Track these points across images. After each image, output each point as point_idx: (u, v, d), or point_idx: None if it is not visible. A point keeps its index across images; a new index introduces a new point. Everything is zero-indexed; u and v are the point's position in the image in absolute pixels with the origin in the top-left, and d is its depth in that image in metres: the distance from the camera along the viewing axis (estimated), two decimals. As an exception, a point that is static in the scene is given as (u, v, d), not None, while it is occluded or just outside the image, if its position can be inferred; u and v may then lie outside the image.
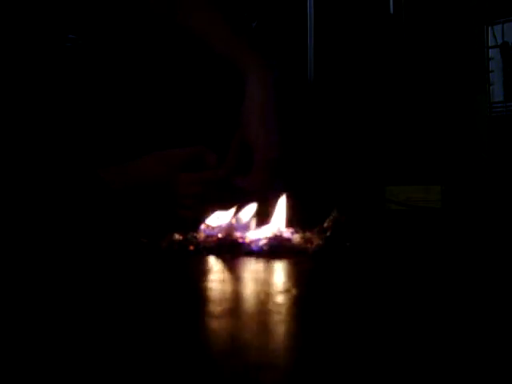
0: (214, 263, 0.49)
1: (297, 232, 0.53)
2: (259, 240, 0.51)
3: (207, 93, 0.83)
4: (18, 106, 0.73)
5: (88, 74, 0.81)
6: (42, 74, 0.77)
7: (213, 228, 0.54)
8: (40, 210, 0.66)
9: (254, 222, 0.54)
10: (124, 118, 0.81)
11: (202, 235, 0.54)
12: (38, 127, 0.73)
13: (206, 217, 0.55)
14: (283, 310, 0.30)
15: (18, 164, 0.68)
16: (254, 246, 0.51)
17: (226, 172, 0.73)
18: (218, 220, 0.54)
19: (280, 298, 0.33)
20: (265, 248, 0.51)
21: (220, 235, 0.53)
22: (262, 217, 0.55)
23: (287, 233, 0.53)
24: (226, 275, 0.45)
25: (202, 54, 0.79)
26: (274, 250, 0.51)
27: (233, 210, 0.55)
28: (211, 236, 0.53)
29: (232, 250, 0.52)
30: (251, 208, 0.55)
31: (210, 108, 0.80)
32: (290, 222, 0.54)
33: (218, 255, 0.51)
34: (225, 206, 0.56)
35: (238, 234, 0.53)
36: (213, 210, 0.56)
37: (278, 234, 0.52)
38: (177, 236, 0.54)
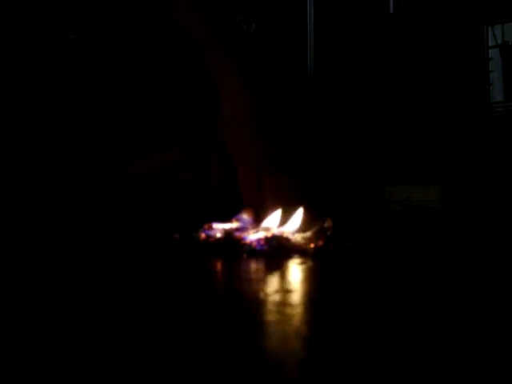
0: (214, 264, 0.49)
1: (297, 232, 0.53)
2: (260, 240, 0.51)
3: (208, 94, 0.83)
4: (20, 104, 0.73)
5: (89, 73, 0.81)
6: (43, 73, 0.77)
7: (213, 228, 0.54)
8: (41, 207, 0.66)
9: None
10: (125, 117, 0.81)
11: (202, 235, 0.54)
12: (39, 126, 0.73)
13: (207, 217, 0.55)
14: (282, 309, 0.30)
15: (20, 162, 0.68)
16: (254, 247, 0.51)
17: (214, 193, 0.71)
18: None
19: (278, 298, 0.33)
20: (266, 248, 0.51)
21: (220, 235, 0.53)
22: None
23: (287, 233, 0.53)
24: (226, 275, 0.45)
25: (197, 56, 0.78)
26: (275, 250, 0.51)
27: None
28: (212, 236, 0.53)
29: (233, 250, 0.52)
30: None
31: (211, 109, 0.80)
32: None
33: (219, 255, 0.51)
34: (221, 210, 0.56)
35: (238, 235, 0.53)
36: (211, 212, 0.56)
37: (279, 234, 0.52)
38: (177, 235, 0.54)
